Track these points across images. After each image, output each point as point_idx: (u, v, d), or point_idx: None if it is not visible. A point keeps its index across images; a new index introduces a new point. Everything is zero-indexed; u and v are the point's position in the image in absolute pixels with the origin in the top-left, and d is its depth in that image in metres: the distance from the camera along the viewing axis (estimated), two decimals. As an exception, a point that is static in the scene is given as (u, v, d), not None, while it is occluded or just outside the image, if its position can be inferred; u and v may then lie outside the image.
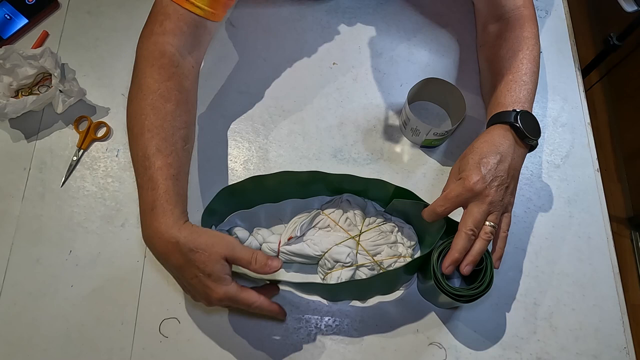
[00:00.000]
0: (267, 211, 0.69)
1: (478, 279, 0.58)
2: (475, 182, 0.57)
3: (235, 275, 0.64)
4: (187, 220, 0.55)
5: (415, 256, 0.66)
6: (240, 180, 0.63)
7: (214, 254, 0.52)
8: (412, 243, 0.66)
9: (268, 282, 0.62)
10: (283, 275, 0.66)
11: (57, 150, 0.72)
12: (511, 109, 0.62)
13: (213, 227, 0.66)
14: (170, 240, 0.52)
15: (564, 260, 0.68)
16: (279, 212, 0.69)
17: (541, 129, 0.63)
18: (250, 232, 0.65)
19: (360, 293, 0.65)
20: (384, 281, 0.63)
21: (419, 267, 0.64)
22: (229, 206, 0.67)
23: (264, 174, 0.63)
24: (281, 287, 0.65)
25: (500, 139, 0.60)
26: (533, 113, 0.63)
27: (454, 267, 0.57)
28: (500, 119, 0.62)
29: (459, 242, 0.56)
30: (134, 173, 0.57)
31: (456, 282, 0.65)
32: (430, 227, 0.62)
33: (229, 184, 0.69)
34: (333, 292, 0.64)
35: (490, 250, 0.59)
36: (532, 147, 0.63)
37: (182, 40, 0.61)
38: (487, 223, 0.57)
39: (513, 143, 0.60)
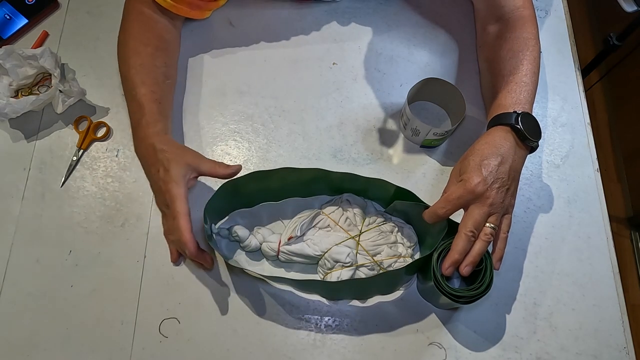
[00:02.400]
0: (268, 210, 0.69)
1: (478, 280, 0.58)
2: (477, 184, 0.57)
3: (232, 270, 0.64)
4: (168, 135, 0.65)
5: (415, 256, 0.66)
6: (241, 175, 0.63)
7: (179, 156, 0.61)
8: (412, 243, 0.66)
9: (261, 276, 0.62)
10: (283, 274, 0.66)
11: (57, 150, 0.72)
12: (512, 111, 0.62)
13: (213, 224, 0.66)
14: (150, 143, 0.63)
15: (563, 260, 0.68)
16: (279, 212, 0.69)
17: (541, 129, 0.63)
18: (251, 231, 0.65)
19: (360, 292, 0.65)
20: (384, 281, 0.63)
21: (419, 268, 0.64)
22: (229, 204, 0.67)
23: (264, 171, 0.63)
24: (282, 286, 0.65)
25: (501, 140, 0.60)
26: (533, 114, 0.63)
27: (453, 268, 0.57)
28: (501, 120, 0.62)
29: (459, 243, 0.56)
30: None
31: (456, 283, 0.65)
32: (432, 229, 0.62)
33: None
34: (333, 291, 0.64)
35: (490, 252, 0.60)
36: (532, 149, 0.63)
37: (158, 9, 0.71)
38: (487, 224, 0.57)
39: (514, 145, 0.60)
